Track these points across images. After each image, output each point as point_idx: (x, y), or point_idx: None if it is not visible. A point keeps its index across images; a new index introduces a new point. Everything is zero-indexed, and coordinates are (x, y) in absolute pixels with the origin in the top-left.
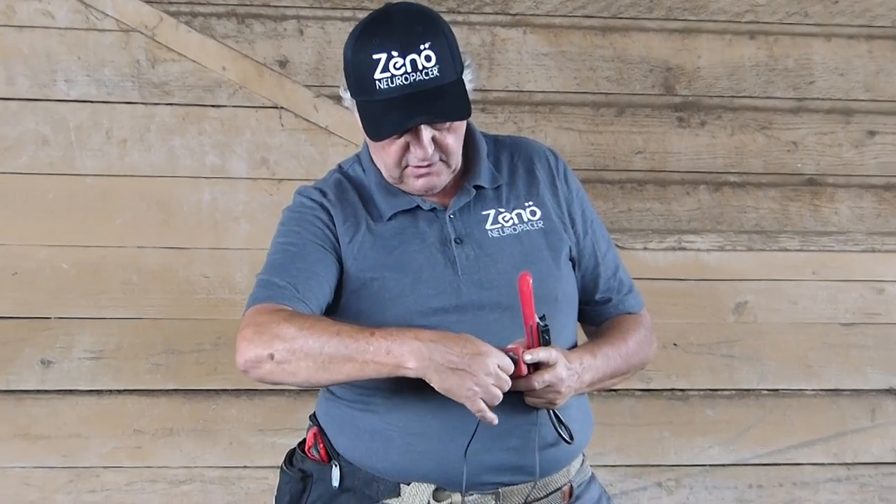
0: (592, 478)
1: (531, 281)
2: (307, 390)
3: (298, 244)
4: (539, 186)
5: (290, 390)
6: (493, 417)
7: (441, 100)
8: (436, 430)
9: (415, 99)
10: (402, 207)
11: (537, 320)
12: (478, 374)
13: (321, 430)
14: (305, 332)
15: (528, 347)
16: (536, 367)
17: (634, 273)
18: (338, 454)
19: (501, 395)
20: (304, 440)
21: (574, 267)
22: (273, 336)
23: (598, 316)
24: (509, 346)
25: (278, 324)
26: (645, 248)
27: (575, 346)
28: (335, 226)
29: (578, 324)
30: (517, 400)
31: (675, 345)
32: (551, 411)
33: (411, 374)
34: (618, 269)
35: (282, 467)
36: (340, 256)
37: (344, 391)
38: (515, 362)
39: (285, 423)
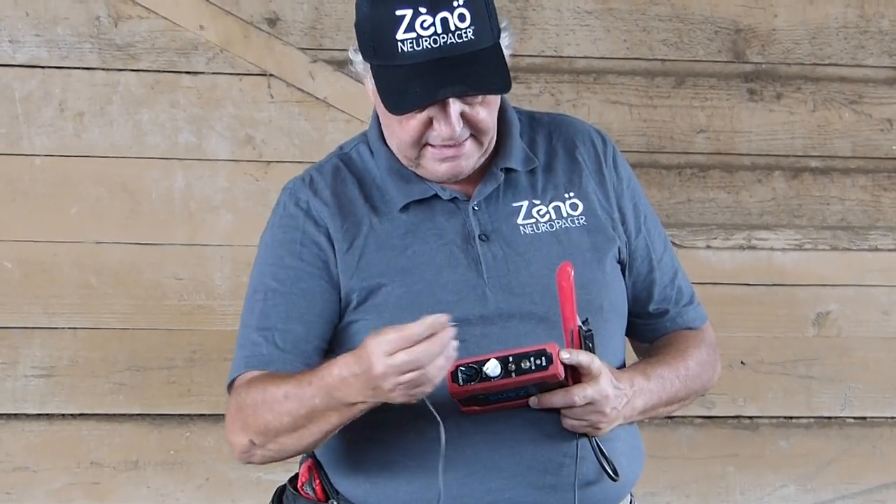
0: None
1: (573, 274)
2: None
3: (281, 277)
4: (582, 175)
5: None
6: (424, 393)
7: (476, 68)
8: (459, 461)
9: (445, 66)
10: (417, 196)
11: (579, 324)
12: (393, 384)
13: (317, 464)
14: (263, 411)
15: None
16: (576, 377)
17: (694, 277)
18: (337, 493)
19: (426, 373)
20: (297, 475)
21: (623, 272)
22: (243, 423)
23: (651, 331)
24: (539, 344)
25: (241, 408)
26: (708, 247)
27: (623, 366)
28: (328, 236)
29: (627, 340)
30: (552, 427)
31: (742, 363)
32: (594, 440)
33: (364, 409)
34: (676, 275)
35: None
36: (337, 276)
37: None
38: (549, 360)
39: None
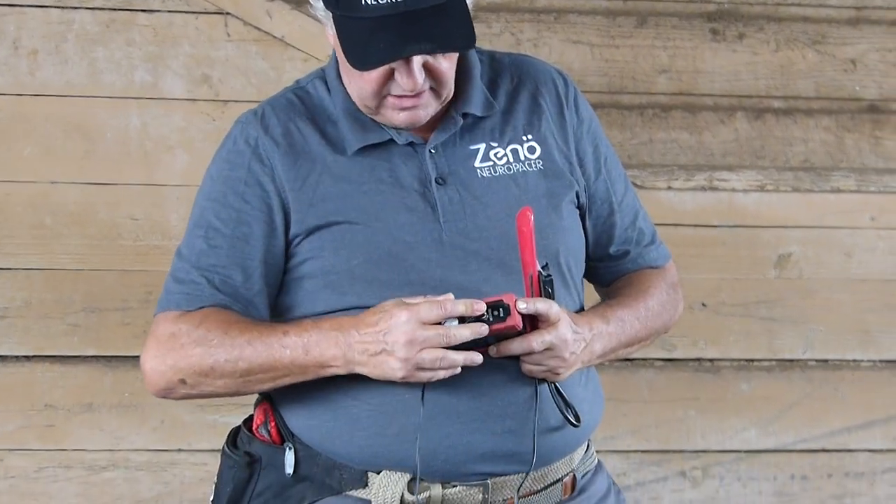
0: (600, 466)
1: (533, 219)
2: None
3: (223, 217)
4: (542, 117)
5: None
6: (448, 374)
7: (441, 21)
8: (412, 407)
9: (409, 19)
10: (372, 141)
11: (539, 269)
12: (396, 349)
13: (272, 406)
14: (214, 349)
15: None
16: (535, 324)
17: (656, 218)
18: (292, 435)
19: (448, 355)
20: (252, 417)
21: (583, 216)
22: (178, 359)
23: (613, 273)
24: (496, 296)
25: (181, 343)
26: (669, 188)
27: (582, 310)
28: (274, 178)
29: (588, 284)
30: (513, 372)
31: (703, 305)
32: (554, 386)
33: (340, 371)
34: (637, 217)
35: (223, 450)
36: (282, 221)
37: None
38: (507, 311)
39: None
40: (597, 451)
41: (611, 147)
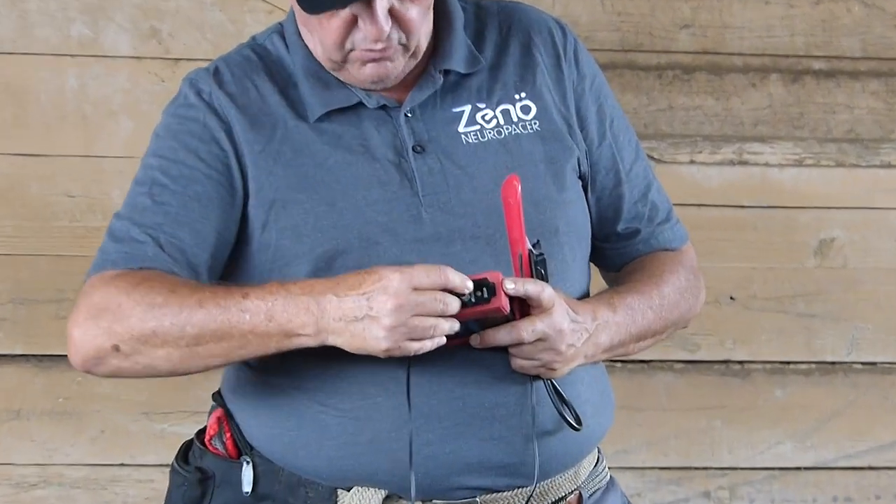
0: (612, 484)
1: (520, 188)
2: None
3: (173, 174)
4: (536, 72)
5: None
6: (436, 344)
7: None
8: (387, 411)
9: None
10: (339, 105)
11: (529, 247)
12: (382, 315)
13: (228, 414)
14: (158, 310)
15: None
16: (525, 311)
17: (677, 198)
18: (251, 447)
19: (440, 324)
20: (205, 428)
21: (585, 188)
22: (114, 320)
23: (621, 256)
24: (480, 273)
25: (118, 303)
26: (692, 162)
27: (587, 297)
28: (231, 136)
29: (594, 268)
30: (501, 369)
31: (732, 299)
32: (549, 382)
33: (310, 342)
34: (649, 189)
35: (173, 465)
36: (241, 184)
37: (259, 359)
38: (491, 291)
39: (179, 403)
40: (608, 468)
41: (619, 108)
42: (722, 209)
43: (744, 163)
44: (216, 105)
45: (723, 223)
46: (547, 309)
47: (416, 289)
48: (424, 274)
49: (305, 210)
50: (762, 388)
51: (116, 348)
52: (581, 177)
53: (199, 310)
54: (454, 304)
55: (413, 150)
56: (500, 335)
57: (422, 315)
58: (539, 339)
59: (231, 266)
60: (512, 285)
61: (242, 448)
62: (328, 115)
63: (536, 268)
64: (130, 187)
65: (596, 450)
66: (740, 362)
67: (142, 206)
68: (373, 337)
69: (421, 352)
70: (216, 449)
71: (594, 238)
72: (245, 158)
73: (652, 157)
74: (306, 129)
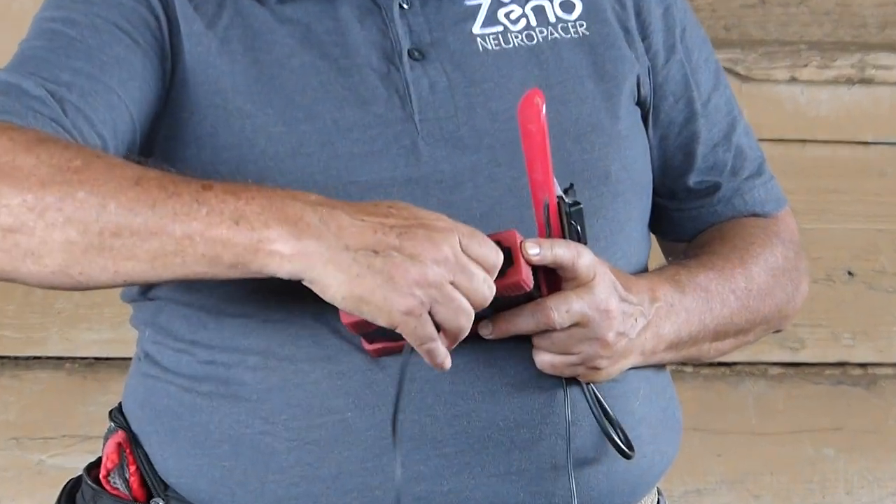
0: None
1: (543, 107)
2: (102, 360)
3: (81, 23)
4: None
5: (70, 357)
6: (445, 357)
7: None
8: (361, 434)
9: None
10: None
11: (559, 192)
12: (422, 255)
13: (133, 439)
14: (72, 174)
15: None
16: (555, 283)
17: (769, 131)
18: (165, 486)
19: (469, 314)
20: (100, 460)
21: (646, 120)
22: (2, 177)
23: (692, 221)
24: (493, 233)
25: (13, 158)
26: (792, 80)
27: (645, 271)
28: (166, 4)
29: (653, 236)
30: (521, 371)
31: (850, 274)
32: (590, 388)
33: (284, 269)
34: (734, 129)
35: None
36: (174, 68)
37: (178, 357)
38: (508, 259)
39: (63, 423)
40: None
41: (691, 12)
42: (836, 147)
43: (867, 81)
44: None
45: (836, 168)
46: (586, 281)
47: (463, 251)
48: (478, 241)
49: (253, 128)
50: (894, 402)
51: (30, 207)
52: (640, 103)
53: (134, 187)
54: (493, 292)
55: (409, 55)
56: (521, 320)
57: (461, 290)
58: (575, 325)
59: None
60: (536, 249)
61: (153, 487)
62: None
63: (570, 222)
64: (16, 51)
65: (655, 491)
66: (862, 365)
67: (38, 59)
68: (393, 287)
69: (430, 351)
70: (116, 489)
71: (655, 194)
72: (180, 39)
73: (734, 74)
74: (264, 13)
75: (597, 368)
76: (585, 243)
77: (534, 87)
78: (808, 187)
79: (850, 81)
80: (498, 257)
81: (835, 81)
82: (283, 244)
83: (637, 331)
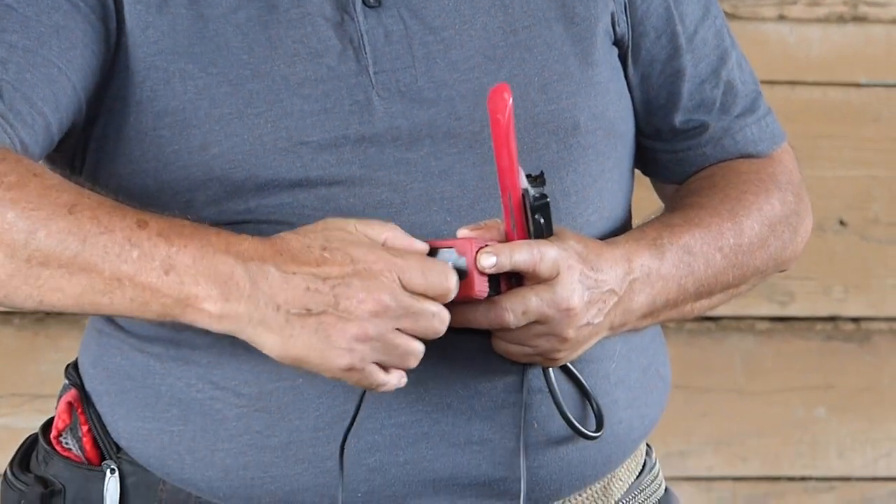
0: (668, 497)
1: (510, 101)
2: (53, 315)
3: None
4: None
5: (20, 312)
6: (400, 382)
7: None
8: (312, 401)
9: None
10: None
11: (525, 185)
12: (356, 314)
13: (86, 398)
14: (2, 190)
15: (508, 238)
16: (517, 275)
17: (758, 72)
18: (118, 448)
19: (418, 350)
20: (51, 420)
21: (625, 58)
22: None
23: (679, 163)
24: (446, 240)
25: None
26: (781, 18)
27: (625, 229)
28: None
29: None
30: (484, 347)
31: (841, 223)
32: (551, 371)
33: (210, 323)
34: (724, 62)
35: (4, 475)
36: (119, 26)
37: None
38: (461, 273)
39: (14, 381)
40: (663, 478)
41: None
42: (826, 90)
43: (860, 19)
44: None
45: (829, 111)
46: (548, 280)
47: (405, 289)
48: (420, 271)
49: (196, 90)
50: (889, 359)
51: None
52: (617, 42)
53: (67, 216)
54: (447, 321)
55: (364, 2)
56: (477, 316)
57: (407, 332)
58: (535, 322)
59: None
60: (492, 260)
61: (105, 449)
62: None
63: (535, 217)
64: None
65: (642, 450)
66: (855, 320)
67: None
68: (330, 346)
69: (382, 390)
70: (67, 450)
71: (640, 134)
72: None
73: (724, 12)
74: None
75: (553, 359)
76: (549, 234)
77: (501, 83)
78: (797, 132)
79: (841, 20)
80: (448, 282)
81: (826, 20)
82: (211, 304)
83: (605, 312)
